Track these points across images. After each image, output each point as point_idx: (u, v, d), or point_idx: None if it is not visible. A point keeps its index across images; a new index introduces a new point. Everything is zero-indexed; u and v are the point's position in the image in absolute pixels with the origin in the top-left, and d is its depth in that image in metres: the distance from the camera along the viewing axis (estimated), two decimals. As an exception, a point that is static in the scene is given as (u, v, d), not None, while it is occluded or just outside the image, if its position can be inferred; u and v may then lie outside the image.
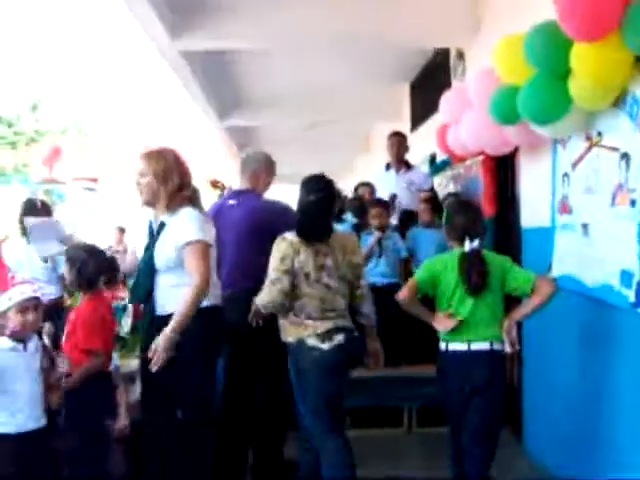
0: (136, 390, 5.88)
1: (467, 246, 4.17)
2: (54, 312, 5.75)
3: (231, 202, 5.06)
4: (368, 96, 11.50)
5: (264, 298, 4.15)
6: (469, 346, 4.14)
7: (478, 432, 4.14)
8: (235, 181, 5.46)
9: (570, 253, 4.78)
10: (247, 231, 4.86)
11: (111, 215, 17.33)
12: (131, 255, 13.22)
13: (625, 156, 4.02)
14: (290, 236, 4.14)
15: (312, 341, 4.11)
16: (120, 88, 12.48)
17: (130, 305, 7.25)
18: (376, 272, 6.26)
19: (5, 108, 21.39)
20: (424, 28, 7.20)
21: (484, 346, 4.12)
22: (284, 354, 4.49)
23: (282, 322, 4.26)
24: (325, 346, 4.09)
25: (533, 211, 5.37)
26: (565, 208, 4.83)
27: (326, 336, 4.10)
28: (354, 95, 11.42)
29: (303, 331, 4.14)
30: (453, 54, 8.04)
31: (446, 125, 6.35)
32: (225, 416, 4.98)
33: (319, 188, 4.24)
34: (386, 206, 6.45)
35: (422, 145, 8.98)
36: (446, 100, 6.15)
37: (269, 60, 9.36)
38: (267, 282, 4.14)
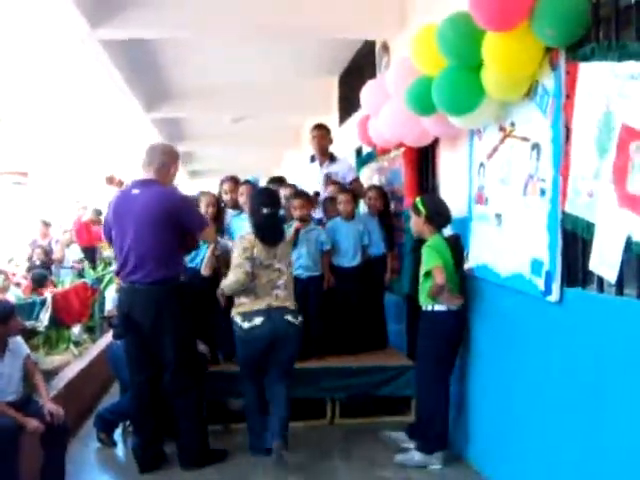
0: (57, 385, 5.82)
1: (446, 232, 5.17)
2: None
3: (135, 191, 5.02)
4: (297, 90, 11.43)
5: (231, 279, 5.13)
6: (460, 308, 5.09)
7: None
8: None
9: (485, 243, 4.84)
10: (151, 221, 4.91)
11: (39, 209, 16.99)
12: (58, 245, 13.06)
13: (536, 146, 4.07)
14: (248, 236, 5.23)
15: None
16: (47, 80, 12.23)
17: (50, 299, 7.08)
18: (298, 265, 6.22)
19: None
20: (350, 20, 7.17)
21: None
22: (188, 349, 5.17)
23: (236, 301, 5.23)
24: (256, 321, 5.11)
25: (451, 202, 5.41)
26: (481, 198, 4.89)
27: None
28: (283, 89, 11.34)
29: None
30: (378, 47, 8.06)
31: (367, 117, 6.36)
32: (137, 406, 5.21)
33: (270, 202, 5.28)
34: (308, 198, 6.41)
35: (350, 138, 8.98)
36: (366, 92, 6.15)
37: (196, 52, 9.21)
38: (231, 269, 5.17)
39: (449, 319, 5.03)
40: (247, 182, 6.32)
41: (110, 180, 5.81)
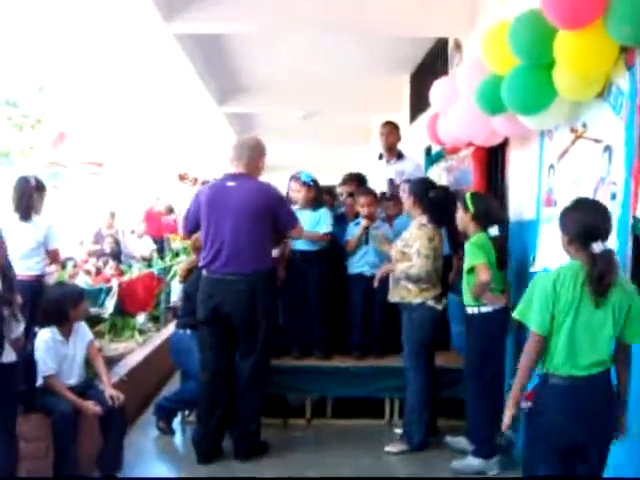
0: (119, 372, 5.92)
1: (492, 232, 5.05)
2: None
3: (230, 184, 5.09)
4: (368, 87, 11.37)
5: (419, 270, 5.24)
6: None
7: None
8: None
9: (553, 246, 4.70)
10: (249, 214, 4.99)
11: (111, 199, 17.31)
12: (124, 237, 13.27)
13: (608, 148, 3.95)
14: (428, 223, 5.34)
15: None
16: (122, 73, 12.51)
17: (115, 287, 7.20)
18: (364, 262, 6.19)
19: (11, 90, 21.15)
20: (422, 17, 7.08)
21: None
22: (270, 339, 5.16)
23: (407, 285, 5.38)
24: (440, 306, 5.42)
25: (520, 203, 5.31)
26: (550, 201, 4.76)
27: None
28: (354, 85, 11.30)
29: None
30: (451, 44, 7.95)
31: (436, 115, 6.27)
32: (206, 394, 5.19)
33: (433, 185, 5.68)
34: (375, 196, 6.35)
35: (420, 137, 8.90)
36: (436, 90, 6.07)
37: (268, 47, 9.27)
38: (419, 257, 5.24)
39: (498, 318, 4.98)
40: (297, 179, 6.27)
41: (182, 177, 5.83)
